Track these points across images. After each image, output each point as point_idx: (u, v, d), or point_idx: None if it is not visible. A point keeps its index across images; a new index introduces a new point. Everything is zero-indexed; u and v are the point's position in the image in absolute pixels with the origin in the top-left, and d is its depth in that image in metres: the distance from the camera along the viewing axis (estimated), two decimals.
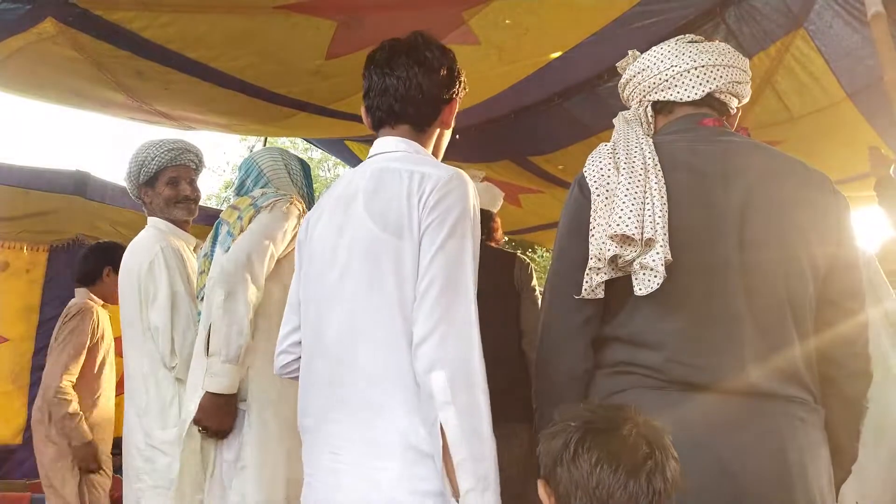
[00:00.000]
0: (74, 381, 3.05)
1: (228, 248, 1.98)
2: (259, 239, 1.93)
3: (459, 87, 1.57)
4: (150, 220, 2.47)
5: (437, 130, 1.57)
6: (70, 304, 3.31)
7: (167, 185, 2.43)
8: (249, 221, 1.98)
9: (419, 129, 1.53)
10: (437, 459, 1.26)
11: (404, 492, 1.28)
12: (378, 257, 1.37)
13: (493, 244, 2.97)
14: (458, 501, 1.23)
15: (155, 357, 2.23)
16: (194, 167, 2.53)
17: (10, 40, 2.42)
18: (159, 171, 2.43)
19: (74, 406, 3.00)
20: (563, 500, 1.07)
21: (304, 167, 2.33)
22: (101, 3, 2.32)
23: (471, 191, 1.40)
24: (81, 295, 3.28)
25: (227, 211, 2.10)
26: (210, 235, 2.14)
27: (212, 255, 2.08)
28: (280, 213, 1.99)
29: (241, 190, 2.22)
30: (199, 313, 2.09)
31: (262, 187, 2.16)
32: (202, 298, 2.05)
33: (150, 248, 2.34)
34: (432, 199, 1.35)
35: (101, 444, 3.13)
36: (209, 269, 2.05)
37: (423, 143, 1.54)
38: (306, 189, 2.27)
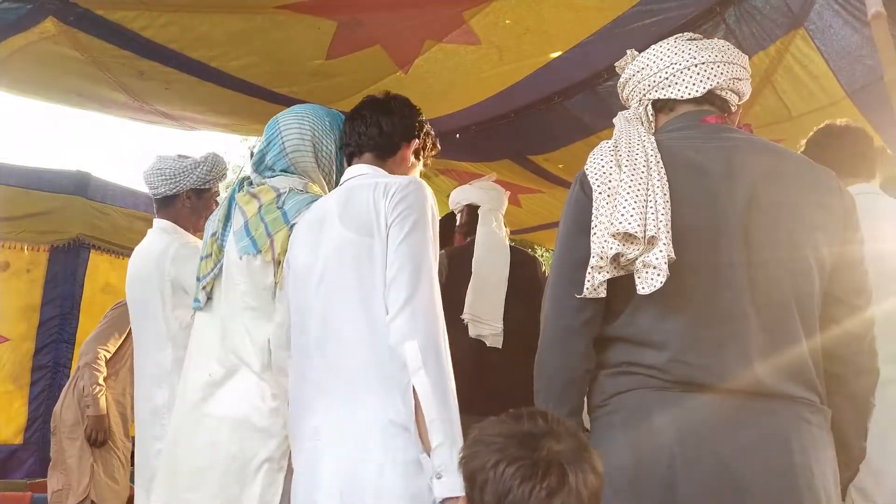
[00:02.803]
0: (109, 355, 3.33)
1: (245, 246, 1.83)
2: None
3: (421, 131, 1.85)
4: (161, 222, 2.43)
5: (401, 165, 1.81)
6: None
7: (215, 202, 2.47)
8: (283, 242, 1.78)
9: (380, 157, 1.78)
10: (412, 428, 1.42)
11: (387, 462, 1.41)
12: (352, 257, 1.56)
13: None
14: (429, 456, 1.38)
15: (179, 355, 2.21)
16: None
17: (11, 40, 2.43)
18: (213, 186, 2.47)
19: (101, 378, 3.27)
20: None
21: (342, 142, 1.96)
22: (102, 2, 2.33)
23: (429, 194, 1.61)
24: None
25: (245, 197, 1.90)
26: (221, 215, 1.96)
27: (222, 240, 1.94)
28: None
29: (260, 164, 1.97)
30: (196, 300, 1.96)
31: (282, 168, 1.94)
32: (204, 287, 1.94)
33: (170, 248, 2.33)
34: (396, 198, 1.56)
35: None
36: (216, 253, 1.93)
37: (386, 171, 1.76)
38: (337, 174, 2.02)
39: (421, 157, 1.88)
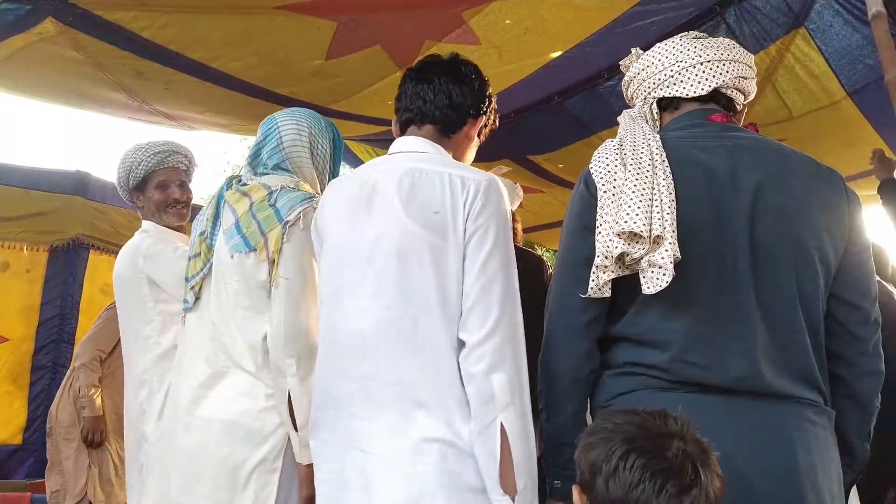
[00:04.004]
0: (104, 355, 3.30)
1: (236, 244, 1.80)
2: (308, 287, 1.74)
3: (488, 106, 1.64)
4: (144, 223, 2.42)
5: (463, 144, 1.62)
6: None
7: (156, 190, 2.36)
8: (277, 240, 1.74)
9: (444, 133, 1.58)
10: (490, 457, 1.30)
11: (445, 487, 1.31)
12: (417, 254, 1.39)
13: (517, 244, 3.00)
14: (512, 499, 1.29)
15: (160, 352, 2.20)
16: (184, 168, 2.44)
17: (10, 40, 2.42)
18: (147, 176, 2.36)
19: (96, 379, 3.26)
20: None
21: (336, 144, 2.04)
22: (102, 3, 2.32)
23: (505, 196, 1.45)
24: None
25: (235, 195, 1.88)
26: (209, 213, 1.94)
27: (211, 240, 1.90)
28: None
29: (255, 158, 1.95)
30: (185, 301, 1.94)
31: (276, 163, 1.92)
32: (193, 287, 1.91)
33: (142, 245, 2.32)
34: (477, 204, 1.39)
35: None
36: (204, 252, 1.91)
37: (447, 149, 1.58)
38: (329, 174, 2.01)
39: (481, 136, 1.68)
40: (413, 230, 1.39)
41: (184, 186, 2.43)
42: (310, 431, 1.55)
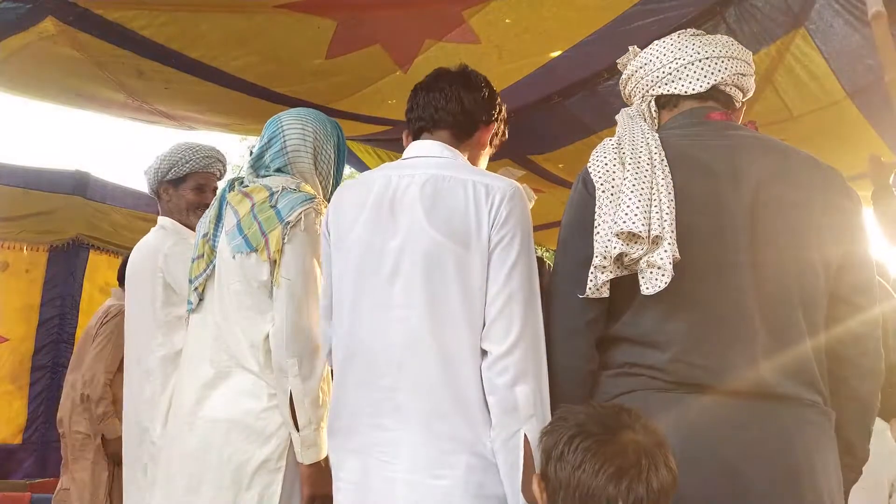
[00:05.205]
0: (111, 377, 3.25)
1: (238, 245, 1.81)
2: (310, 287, 1.75)
3: (499, 115, 1.65)
4: (161, 219, 2.46)
5: (475, 150, 1.63)
6: (108, 304, 3.39)
7: (192, 191, 2.43)
8: (278, 240, 1.74)
9: (457, 138, 1.58)
10: (513, 468, 1.31)
11: (469, 497, 1.32)
12: (441, 264, 1.39)
13: None
14: None
15: (165, 352, 2.21)
16: (219, 177, 2.51)
17: (10, 40, 2.42)
18: (188, 175, 2.43)
19: (109, 403, 3.22)
20: (551, 497, 1.10)
21: (340, 147, 2.04)
22: (102, 2, 2.32)
23: (528, 205, 1.46)
24: (119, 296, 3.31)
25: (237, 196, 1.89)
26: (212, 215, 1.96)
27: (214, 241, 1.91)
28: (315, 235, 1.77)
29: (258, 160, 1.96)
30: (189, 302, 1.95)
31: (279, 167, 1.93)
32: (196, 288, 1.93)
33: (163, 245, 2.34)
34: (503, 212, 1.39)
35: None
36: (207, 254, 1.92)
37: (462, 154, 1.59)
38: (334, 179, 2.02)
39: (492, 145, 1.69)
40: (437, 240, 1.39)
41: (214, 193, 2.47)
42: (329, 441, 1.57)
